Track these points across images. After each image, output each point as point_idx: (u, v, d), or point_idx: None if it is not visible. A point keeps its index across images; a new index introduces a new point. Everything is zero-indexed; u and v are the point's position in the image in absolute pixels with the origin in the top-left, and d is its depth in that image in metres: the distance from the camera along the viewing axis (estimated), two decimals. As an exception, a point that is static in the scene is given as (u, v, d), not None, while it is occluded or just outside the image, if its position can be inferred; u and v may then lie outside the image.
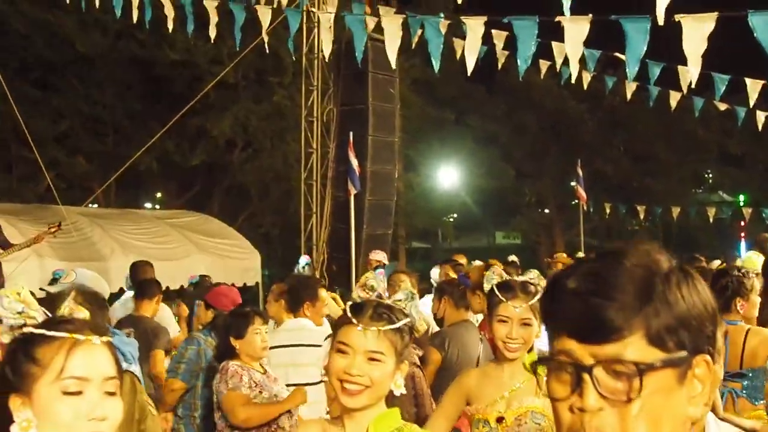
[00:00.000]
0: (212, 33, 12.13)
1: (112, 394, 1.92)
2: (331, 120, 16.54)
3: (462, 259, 10.38)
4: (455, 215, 41.58)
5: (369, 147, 15.31)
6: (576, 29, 8.44)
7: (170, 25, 12.37)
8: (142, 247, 17.41)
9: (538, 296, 3.71)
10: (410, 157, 29.37)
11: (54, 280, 8.67)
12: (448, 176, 35.02)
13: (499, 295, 3.78)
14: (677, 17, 7.94)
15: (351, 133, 13.73)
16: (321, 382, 6.07)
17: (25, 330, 1.94)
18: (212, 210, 23.97)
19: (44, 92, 24.00)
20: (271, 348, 5.75)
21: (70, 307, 1.99)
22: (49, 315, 2.00)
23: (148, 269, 9.62)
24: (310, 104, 16.87)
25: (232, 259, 18.39)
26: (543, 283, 3.83)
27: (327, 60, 14.81)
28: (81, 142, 25.54)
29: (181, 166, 25.98)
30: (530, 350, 3.82)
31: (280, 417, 5.34)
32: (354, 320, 2.64)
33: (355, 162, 13.76)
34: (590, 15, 8.38)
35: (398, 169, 16.73)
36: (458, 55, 11.93)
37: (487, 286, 3.85)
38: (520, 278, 3.89)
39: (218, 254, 18.40)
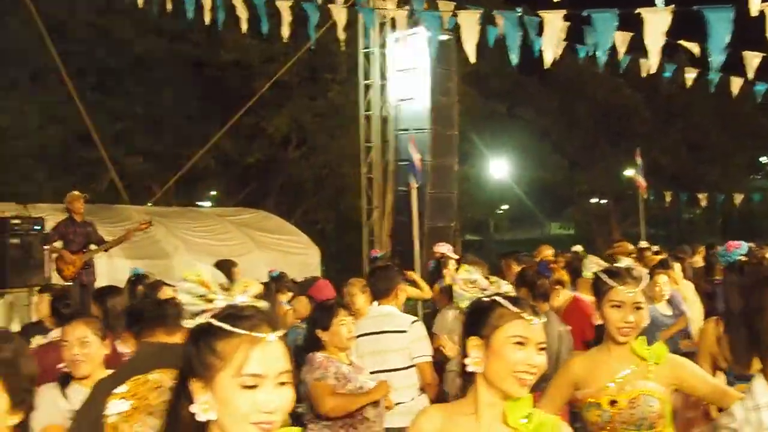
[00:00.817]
0: (285, 33, 12.29)
1: (284, 384, 2.05)
2: (390, 115, 16.60)
3: (548, 251, 10.40)
4: (507, 207, 41.47)
5: (429, 141, 15.35)
6: (657, 20, 8.42)
7: (244, 27, 12.55)
8: (204, 244, 17.64)
9: (645, 281, 3.82)
10: (463, 150, 29.33)
11: (138, 278, 8.89)
12: (500, 168, 34.97)
13: (610, 281, 3.85)
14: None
15: (411, 127, 13.79)
16: (410, 367, 6.17)
17: (208, 320, 2.08)
18: (268, 207, 24.15)
19: (103, 95, 24.37)
20: (357, 337, 5.83)
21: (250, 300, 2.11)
22: (229, 300, 2.13)
23: (234, 269, 9.93)
24: (368, 99, 16.97)
25: (292, 255, 18.53)
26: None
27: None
28: (139, 143, 25.91)
29: (237, 164, 26.25)
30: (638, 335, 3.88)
31: (365, 407, 5.42)
32: (524, 315, 2.79)
33: (416, 156, 13.85)
34: (672, 6, 8.37)
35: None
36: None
37: (587, 274, 3.91)
38: (623, 265, 3.96)
39: (278, 250, 18.55)
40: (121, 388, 3.73)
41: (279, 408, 2.03)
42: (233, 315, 2.08)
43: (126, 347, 6.48)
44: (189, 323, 2.09)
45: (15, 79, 24.63)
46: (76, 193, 12.37)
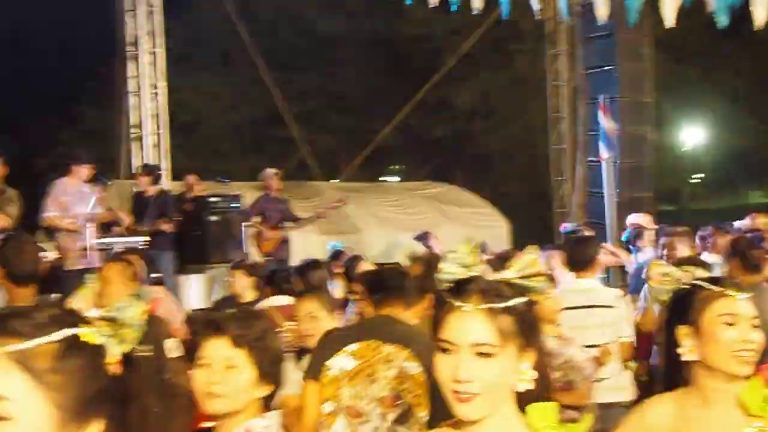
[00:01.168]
0: (478, 4, 12.19)
1: (484, 355, 1.96)
2: (579, 84, 16.25)
3: (763, 219, 9.92)
4: (703, 175, 39.97)
5: (622, 110, 14.94)
6: None
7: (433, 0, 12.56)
8: (394, 218, 17.81)
9: None
10: (657, 117, 28.52)
11: (336, 253, 9.06)
12: (694, 135, 33.72)
13: None
14: None
15: (602, 97, 13.46)
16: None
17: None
18: (455, 180, 24.14)
19: (289, 75, 24.94)
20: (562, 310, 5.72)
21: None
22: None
23: (433, 240, 10.09)
24: (556, 69, 16.68)
25: (482, 228, 18.43)
26: None
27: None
28: (326, 120, 26.41)
29: (423, 138, 26.36)
30: None
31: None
32: (728, 292, 2.70)
33: (608, 125, 13.51)
34: None
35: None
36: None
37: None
38: None
39: (468, 223, 18.51)
40: (351, 347, 3.79)
41: (464, 381, 1.97)
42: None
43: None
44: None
45: (208, 62, 25.57)
46: (273, 170, 12.70)
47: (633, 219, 11.24)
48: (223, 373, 2.64)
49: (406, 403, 3.79)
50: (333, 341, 4.00)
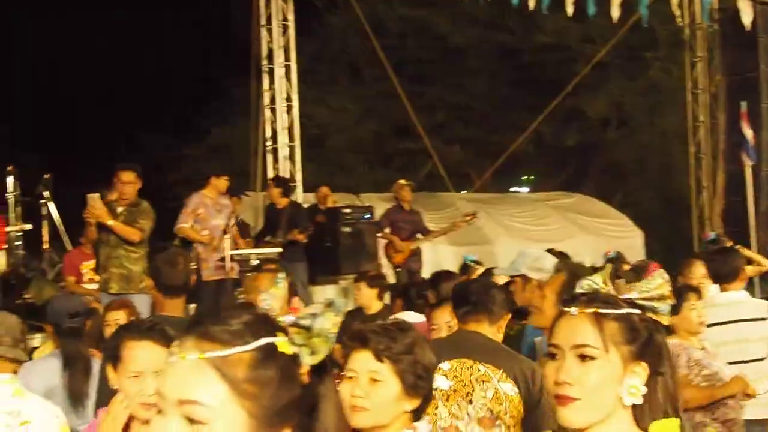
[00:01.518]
0: (615, 14, 12.07)
1: (586, 358, 1.98)
2: (719, 91, 15.81)
3: None
4: None
5: (763, 116, 14.48)
6: None
7: (569, 9, 12.45)
8: (525, 230, 17.67)
9: None
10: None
11: (465, 266, 8.99)
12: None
13: None
14: None
15: (743, 103, 13.07)
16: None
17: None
18: (587, 190, 23.79)
19: (418, 86, 25.03)
20: (708, 326, 5.52)
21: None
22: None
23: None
24: (695, 76, 16.27)
25: (616, 239, 18.11)
26: None
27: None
28: (455, 131, 26.38)
29: (554, 148, 26.07)
30: None
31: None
32: None
33: (749, 133, 13.13)
34: None
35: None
36: None
37: None
38: None
39: (601, 234, 18.23)
40: (444, 365, 3.72)
41: (567, 383, 2.01)
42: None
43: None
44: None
45: (335, 76, 25.89)
46: (404, 181, 12.72)
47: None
48: (368, 387, 2.65)
49: (503, 424, 3.72)
50: None
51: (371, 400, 2.64)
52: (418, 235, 12.48)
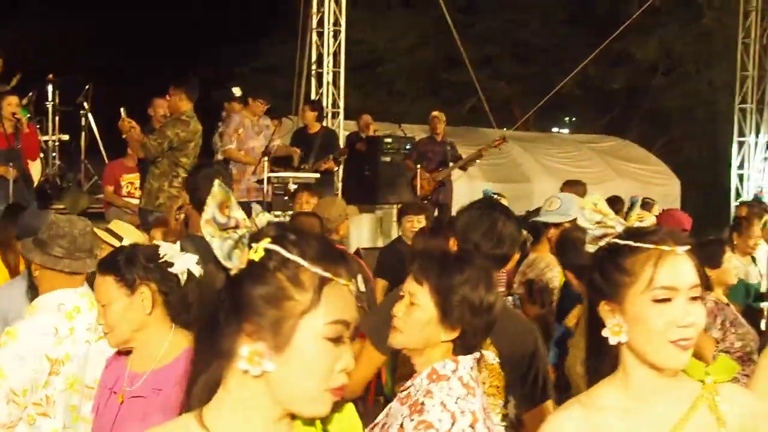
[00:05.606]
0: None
1: (696, 299, 1.99)
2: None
3: None
4: None
5: (812, 70, 14.28)
6: None
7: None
8: (564, 170, 17.63)
9: None
10: None
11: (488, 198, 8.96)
12: None
13: None
14: None
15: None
16: None
17: (613, 240, 2.07)
18: (630, 135, 23.62)
19: (472, 17, 24.71)
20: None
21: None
22: (624, 223, 2.13)
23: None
24: (747, 25, 16.03)
25: (652, 185, 18.09)
26: None
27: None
28: (504, 67, 26.15)
29: (600, 90, 25.81)
30: None
31: None
32: None
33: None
34: None
35: None
36: None
37: None
38: None
39: (638, 180, 18.20)
40: None
41: (694, 323, 1.98)
42: (636, 233, 2.07)
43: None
44: (591, 248, 2.10)
45: (390, 1, 25.65)
46: (436, 113, 12.48)
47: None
48: (406, 308, 2.68)
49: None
50: None
51: (405, 320, 2.66)
52: (450, 165, 12.09)
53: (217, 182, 1.61)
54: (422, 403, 2.52)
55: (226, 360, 1.57)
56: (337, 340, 1.56)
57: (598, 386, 2.06)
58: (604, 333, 2.01)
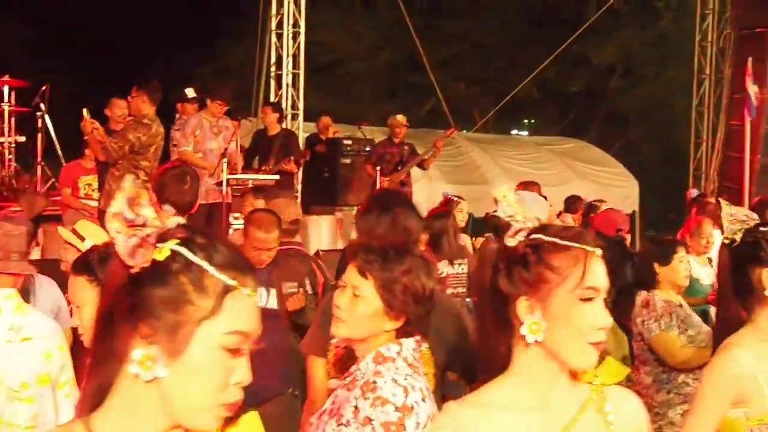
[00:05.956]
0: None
1: (605, 302, 1.97)
2: (727, 45, 15.76)
3: None
4: None
5: (768, 72, 14.46)
6: None
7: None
8: (523, 172, 17.67)
9: None
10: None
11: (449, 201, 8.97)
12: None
13: None
14: None
15: (750, 59, 13.04)
16: None
17: (536, 237, 1.99)
18: (588, 137, 23.79)
19: (432, 19, 24.75)
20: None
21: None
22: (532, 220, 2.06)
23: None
24: (704, 28, 16.21)
25: (611, 187, 18.20)
26: None
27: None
28: (464, 69, 26.23)
29: (559, 93, 25.98)
30: None
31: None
32: None
33: (753, 88, 13.10)
34: None
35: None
36: None
37: None
38: None
39: (597, 181, 18.31)
40: None
41: (608, 326, 1.96)
42: (560, 231, 2.01)
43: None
44: (510, 241, 2.01)
45: (351, 2, 25.63)
46: (400, 118, 12.35)
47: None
48: (349, 300, 2.71)
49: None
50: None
51: (349, 312, 2.70)
52: (407, 165, 11.98)
53: (130, 178, 1.54)
54: (374, 382, 2.59)
55: (118, 363, 1.50)
56: (234, 352, 1.50)
57: (493, 385, 2.00)
58: (522, 331, 1.94)
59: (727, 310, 2.96)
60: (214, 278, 1.49)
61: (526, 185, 9.96)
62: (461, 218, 8.68)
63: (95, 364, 1.55)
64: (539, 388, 1.98)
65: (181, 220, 1.56)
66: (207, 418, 1.51)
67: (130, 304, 1.49)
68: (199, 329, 1.48)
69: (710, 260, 6.96)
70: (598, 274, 1.95)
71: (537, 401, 1.97)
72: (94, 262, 3.00)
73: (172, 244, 1.49)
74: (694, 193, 10.86)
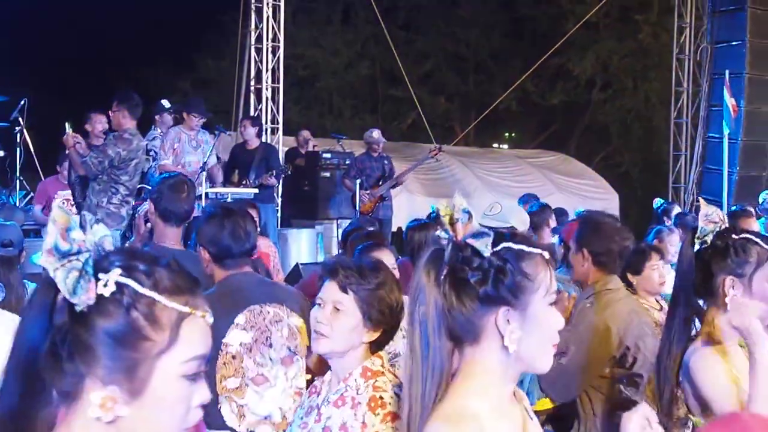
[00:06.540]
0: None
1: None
2: (704, 58, 15.86)
3: None
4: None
5: (745, 85, 14.54)
6: None
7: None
8: (504, 185, 17.75)
9: None
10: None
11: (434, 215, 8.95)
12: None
13: None
14: None
15: (726, 72, 13.13)
16: None
17: (507, 245, 1.96)
18: (569, 149, 23.89)
19: (410, 34, 24.82)
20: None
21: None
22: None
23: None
24: (681, 41, 16.31)
25: (591, 199, 18.26)
26: None
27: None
28: (443, 82, 26.28)
29: (539, 106, 26.07)
30: None
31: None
32: None
33: (730, 101, 13.17)
34: None
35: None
36: None
37: None
38: None
39: (577, 194, 18.37)
40: (240, 318, 3.72)
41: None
42: (521, 237, 2.01)
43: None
44: (484, 251, 1.98)
45: (329, 17, 25.65)
46: (377, 135, 12.32)
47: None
48: (331, 315, 2.79)
49: (300, 357, 3.83)
50: (221, 314, 3.58)
51: (331, 327, 2.77)
52: (389, 181, 11.92)
53: (56, 205, 1.46)
54: (380, 398, 2.70)
55: (68, 403, 1.43)
56: (194, 377, 1.47)
57: (460, 396, 1.95)
58: (506, 342, 1.92)
59: (686, 311, 2.96)
60: (167, 308, 1.44)
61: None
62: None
63: (29, 401, 1.44)
64: (503, 395, 1.99)
65: (106, 230, 1.48)
66: None
67: (78, 344, 1.41)
68: (158, 364, 1.43)
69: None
70: (554, 279, 1.98)
71: (501, 407, 1.98)
72: None
73: (115, 276, 1.42)
74: (658, 201, 10.91)
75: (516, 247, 1.95)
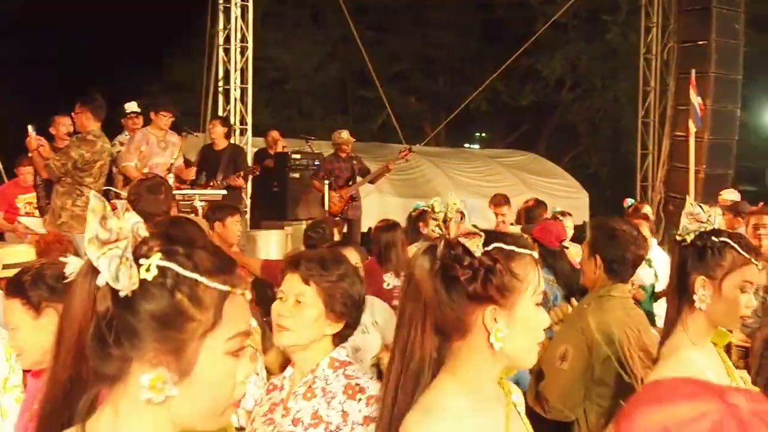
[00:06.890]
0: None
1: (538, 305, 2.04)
2: (671, 57, 15.97)
3: None
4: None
5: (711, 84, 14.66)
6: None
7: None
8: (475, 185, 17.80)
9: None
10: (744, 96, 27.82)
11: (420, 213, 8.94)
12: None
13: None
14: None
15: (693, 71, 13.22)
16: None
17: (497, 246, 2.01)
18: (539, 149, 24.00)
19: (380, 35, 24.82)
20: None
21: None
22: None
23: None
24: (648, 41, 16.43)
25: (561, 199, 18.32)
26: None
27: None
28: (414, 83, 26.32)
29: (509, 106, 26.17)
30: None
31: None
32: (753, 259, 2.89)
33: (697, 100, 13.26)
34: None
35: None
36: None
37: None
38: None
39: (548, 193, 18.42)
40: None
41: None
42: (511, 237, 2.05)
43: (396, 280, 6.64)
44: (475, 251, 2.02)
45: (298, 19, 25.61)
46: (346, 137, 12.26)
47: (726, 195, 11.26)
48: (293, 307, 2.80)
49: (255, 354, 3.92)
50: None
51: (293, 319, 2.78)
52: (358, 179, 11.87)
53: (93, 194, 1.49)
54: (357, 384, 2.76)
55: (112, 384, 1.47)
56: (237, 353, 1.51)
57: (442, 390, 1.99)
58: (492, 340, 1.97)
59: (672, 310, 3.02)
60: (209, 288, 1.46)
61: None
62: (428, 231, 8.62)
63: (73, 385, 1.49)
64: (485, 391, 2.04)
65: (138, 218, 1.50)
66: (221, 421, 1.52)
67: (124, 327, 1.44)
68: (204, 343, 1.46)
69: (649, 262, 7.03)
70: (541, 279, 2.03)
71: (483, 404, 2.02)
72: (27, 284, 2.94)
73: (156, 260, 1.44)
74: (629, 202, 11.04)
75: (507, 247, 2.00)
